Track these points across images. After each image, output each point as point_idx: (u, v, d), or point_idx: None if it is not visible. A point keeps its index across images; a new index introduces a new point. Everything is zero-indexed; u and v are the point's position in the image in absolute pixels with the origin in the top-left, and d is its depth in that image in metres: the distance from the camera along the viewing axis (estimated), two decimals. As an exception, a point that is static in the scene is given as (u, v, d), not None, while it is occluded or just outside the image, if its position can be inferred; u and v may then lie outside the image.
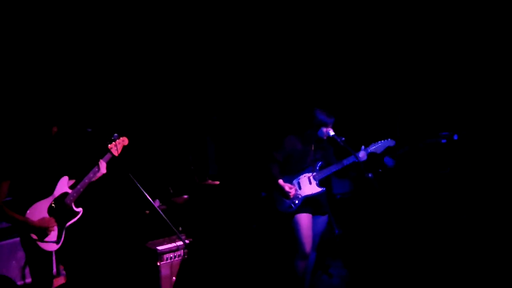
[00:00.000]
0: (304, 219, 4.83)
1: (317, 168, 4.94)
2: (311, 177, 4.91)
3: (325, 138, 4.89)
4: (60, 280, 4.24)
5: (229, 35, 7.00)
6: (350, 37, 7.16)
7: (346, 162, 4.84)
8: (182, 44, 6.75)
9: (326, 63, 7.30)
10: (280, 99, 7.22)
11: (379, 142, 4.92)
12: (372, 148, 4.92)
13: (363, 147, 4.91)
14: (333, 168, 4.91)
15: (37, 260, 3.78)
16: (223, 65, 7.10)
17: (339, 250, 6.16)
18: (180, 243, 4.68)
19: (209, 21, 6.77)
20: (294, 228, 4.82)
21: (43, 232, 3.73)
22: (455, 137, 5.76)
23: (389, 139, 4.90)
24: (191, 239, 5.00)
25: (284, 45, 7.23)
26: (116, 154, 4.21)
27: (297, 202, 4.83)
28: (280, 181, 4.81)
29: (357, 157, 4.76)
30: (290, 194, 4.79)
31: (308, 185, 4.89)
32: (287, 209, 4.86)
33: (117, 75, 6.28)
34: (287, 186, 4.78)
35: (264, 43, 7.18)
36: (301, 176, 4.92)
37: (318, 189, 4.88)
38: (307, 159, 4.97)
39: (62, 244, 3.86)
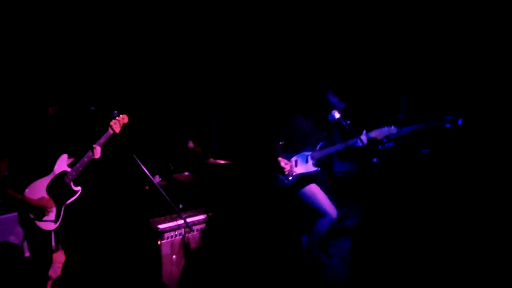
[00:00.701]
0: (311, 188, 4.92)
1: (318, 147, 4.99)
2: (309, 156, 4.97)
3: (333, 121, 4.87)
4: (59, 255, 4.22)
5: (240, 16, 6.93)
6: (357, 24, 7.10)
7: (350, 142, 4.84)
8: (188, 22, 6.66)
9: (334, 46, 7.25)
10: (290, 80, 7.19)
11: (383, 128, 4.86)
12: (373, 134, 4.88)
13: (364, 131, 4.87)
14: (335, 148, 4.95)
15: (36, 238, 3.76)
16: (233, 42, 7.04)
17: (338, 229, 6.17)
18: (181, 221, 4.64)
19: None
20: (306, 201, 4.93)
21: (41, 212, 3.69)
22: (460, 122, 5.68)
23: (392, 126, 4.84)
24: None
25: (293, 27, 7.18)
26: (117, 131, 4.15)
27: (290, 178, 4.93)
28: (279, 157, 4.89)
29: (362, 141, 4.72)
30: (285, 170, 4.89)
31: (304, 164, 4.96)
32: (281, 184, 4.96)
33: (120, 54, 6.21)
34: (283, 162, 4.89)
35: (275, 25, 7.12)
36: (300, 154, 4.99)
37: (313, 169, 4.95)
38: (312, 139, 5.02)
39: (60, 223, 3.82)
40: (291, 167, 4.91)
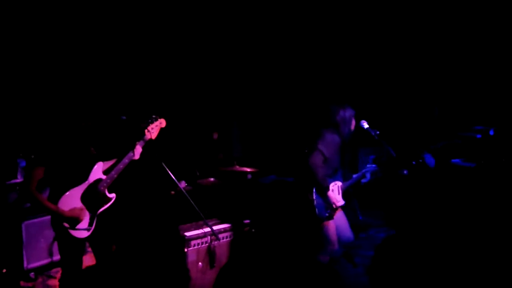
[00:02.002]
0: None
1: (341, 177, 4.82)
2: (339, 187, 4.79)
3: (352, 131, 4.77)
4: (88, 259, 4.26)
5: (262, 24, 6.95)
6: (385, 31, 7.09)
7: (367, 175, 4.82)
8: (214, 31, 6.71)
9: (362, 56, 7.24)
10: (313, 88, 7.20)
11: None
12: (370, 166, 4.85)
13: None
14: (354, 180, 4.84)
15: (68, 245, 3.78)
16: (257, 49, 7.06)
17: (363, 238, 6.13)
18: (207, 229, 4.65)
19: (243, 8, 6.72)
20: (321, 228, 4.73)
21: (74, 221, 3.72)
22: (491, 132, 5.61)
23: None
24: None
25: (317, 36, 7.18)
26: (153, 137, 4.15)
27: (329, 211, 4.71)
28: (330, 193, 4.63)
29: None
30: (333, 205, 4.66)
31: (337, 195, 4.77)
32: (320, 214, 4.67)
33: (149, 64, 6.30)
34: (333, 197, 4.63)
35: (296, 32, 7.12)
36: (333, 183, 4.75)
37: (342, 203, 4.78)
38: (339, 159, 4.79)
39: (93, 230, 3.85)
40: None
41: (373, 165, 4.87)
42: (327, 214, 4.67)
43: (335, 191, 4.72)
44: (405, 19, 6.98)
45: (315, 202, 4.63)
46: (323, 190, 4.60)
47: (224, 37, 6.88)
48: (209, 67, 6.91)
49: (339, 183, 4.78)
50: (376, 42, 7.24)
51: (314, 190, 4.64)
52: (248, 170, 5.33)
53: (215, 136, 6.32)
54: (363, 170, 4.90)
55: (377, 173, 4.88)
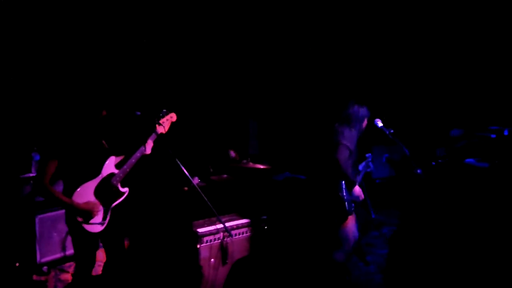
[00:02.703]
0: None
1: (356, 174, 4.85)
2: (357, 182, 4.80)
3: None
4: (101, 254, 4.27)
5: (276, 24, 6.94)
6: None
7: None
8: (230, 30, 6.72)
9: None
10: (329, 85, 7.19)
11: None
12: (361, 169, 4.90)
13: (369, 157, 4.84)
14: (362, 171, 4.90)
15: (82, 239, 3.78)
16: (274, 47, 7.06)
17: (376, 236, 6.11)
18: (220, 225, 4.65)
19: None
20: (341, 225, 4.74)
21: (88, 215, 3.72)
22: (505, 132, 5.55)
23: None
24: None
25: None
26: (164, 131, 4.16)
27: (353, 205, 4.76)
28: (356, 188, 4.67)
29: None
30: (360, 198, 4.71)
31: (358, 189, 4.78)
32: (351, 212, 4.73)
33: (165, 59, 6.31)
34: (358, 189, 4.67)
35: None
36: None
37: (363, 197, 4.79)
38: (357, 155, 4.83)
39: (107, 225, 3.85)
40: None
41: (369, 153, 4.95)
42: (353, 209, 4.73)
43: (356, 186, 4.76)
44: (418, 19, 6.95)
45: (345, 198, 4.67)
46: (351, 185, 4.64)
47: (240, 33, 6.87)
48: (226, 64, 6.91)
49: (357, 178, 4.83)
50: (392, 42, 7.21)
51: (343, 186, 4.66)
52: (262, 167, 5.33)
53: (232, 154, 6.30)
54: (366, 160, 4.98)
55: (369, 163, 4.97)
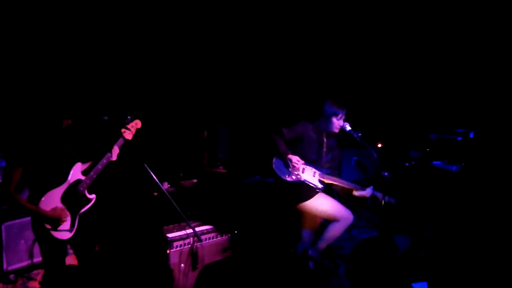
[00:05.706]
0: (320, 197, 4.79)
1: (324, 172, 4.86)
2: (317, 173, 4.82)
3: (336, 131, 4.82)
4: (70, 260, 4.22)
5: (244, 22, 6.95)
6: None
7: (357, 187, 4.90)
8: (198, 30, 6.70)
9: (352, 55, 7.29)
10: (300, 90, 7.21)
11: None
12: (377, 193, 4.93)
13: (371, 187, 4.92)
14: (341, 182, 4.88)
15: (50, 247, 3.73)
16: (244, 49, 7.05)
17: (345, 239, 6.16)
18: (190, 230, 4.65)
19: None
20: (316, 209, 4.80)
21: (56, 222, 3.68)
22: (471, 135, 5.66)
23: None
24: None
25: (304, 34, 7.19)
26: (129, 138, 4.13)
27: (293, 177, 4.72)
28: (291, 156, 4.69)
29: (366, 194, 4.82)
30: (296, 165, 4.68)
31: (310, 175, 4.79)
32: (283, 175, 4.75)
33: (130, 62, 6.26)
34: (295, 158, 4.67)
35: (281, 30, 7.13)
36: (309, 166, 4.80)
37: (319, 186, 4.78)
38: (319, 151, 4.85)
39: (75, 231, 3.81)
40: (300, 168, 4.71)
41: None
42: (293, 177, 4.72)
43: (306, 170, 4.77)
44: (393, 23, 7.04)
45: (274, 166, 4.76)
46: (282, 155, 4.71)
47: (211, 37, 6.86)
48: (196, 67, 6.89)
49: (316, 170, 4.82)
50: (370, 45, 7.27)
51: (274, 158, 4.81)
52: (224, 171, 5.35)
53: (205, 134, 6.30)
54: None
55: None
